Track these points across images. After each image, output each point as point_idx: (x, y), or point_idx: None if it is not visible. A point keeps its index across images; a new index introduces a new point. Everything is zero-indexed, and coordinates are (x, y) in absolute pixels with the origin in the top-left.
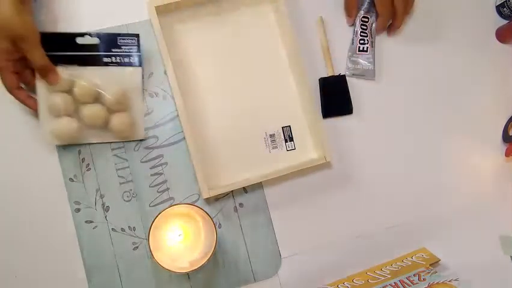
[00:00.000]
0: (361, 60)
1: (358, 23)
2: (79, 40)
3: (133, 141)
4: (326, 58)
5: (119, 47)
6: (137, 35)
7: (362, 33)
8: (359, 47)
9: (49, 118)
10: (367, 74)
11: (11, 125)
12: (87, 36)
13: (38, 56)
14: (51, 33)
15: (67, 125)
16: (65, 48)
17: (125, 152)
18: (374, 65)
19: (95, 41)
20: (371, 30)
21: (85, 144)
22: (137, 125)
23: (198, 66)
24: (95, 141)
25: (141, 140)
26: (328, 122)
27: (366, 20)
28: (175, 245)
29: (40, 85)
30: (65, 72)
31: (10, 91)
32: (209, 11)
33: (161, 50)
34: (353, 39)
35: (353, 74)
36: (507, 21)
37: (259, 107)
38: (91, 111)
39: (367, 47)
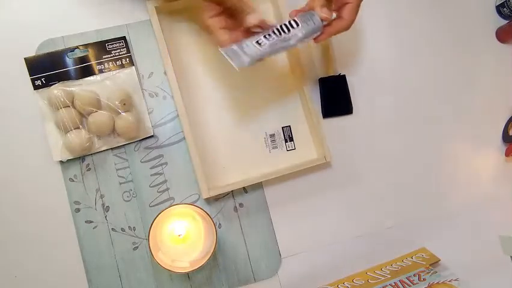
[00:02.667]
0: (252, 46)
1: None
2: (70, 55)
3: (134, 142)
4: (326, 58)
5: (109, 52)
6: (123, 37)
7: (275, 31)
8: (260, 39)
9: (59, 135)
10: (232, 56)
11: (12, 125)
12: (76, 50)
13: None
14: (41, 55)
15: (76, 137)
16: (58, 66)
17: (125, 152)
18: (248, 61)
19: (85, 53)
20: (281, 39)
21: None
22: (142, 122)
23: (197, 66)
24: (105, 148)
25: (141, 140)
26: (328, 122)
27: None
28: (175, 245)
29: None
30: (63, 88)
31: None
32: None
33: (161, 50)
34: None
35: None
36: (507, 21)
37: (259, 107)
38: (95, 118)
39: (265, 43)
